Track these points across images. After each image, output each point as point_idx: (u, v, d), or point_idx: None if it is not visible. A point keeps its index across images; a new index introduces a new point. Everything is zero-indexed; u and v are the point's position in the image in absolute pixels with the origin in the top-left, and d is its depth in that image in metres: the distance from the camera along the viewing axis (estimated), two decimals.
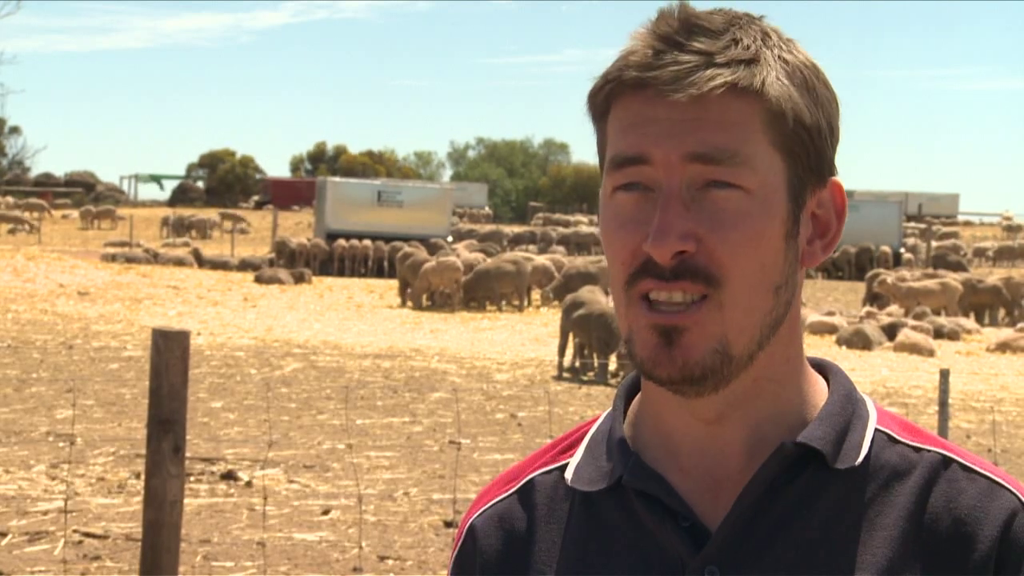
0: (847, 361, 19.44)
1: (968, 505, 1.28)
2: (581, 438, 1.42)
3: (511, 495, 1.41)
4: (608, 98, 1.29)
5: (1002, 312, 29.68)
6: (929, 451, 1.32)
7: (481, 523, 1.41)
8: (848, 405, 1.34)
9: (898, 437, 1.33)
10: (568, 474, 1.38)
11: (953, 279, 29.42)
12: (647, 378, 1.31)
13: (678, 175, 1.25)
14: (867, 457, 1.31)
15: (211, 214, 63.99)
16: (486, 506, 1.42)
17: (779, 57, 1.28)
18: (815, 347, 21.32)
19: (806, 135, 1.28)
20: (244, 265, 37.54)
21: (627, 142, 1.27)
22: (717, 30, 1.26)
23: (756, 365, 1.29)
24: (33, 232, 53.67)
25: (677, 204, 1.24)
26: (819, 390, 1.35)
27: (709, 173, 1.25)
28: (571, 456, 1.40)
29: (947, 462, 1.31)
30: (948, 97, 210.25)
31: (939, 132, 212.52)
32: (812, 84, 1.29)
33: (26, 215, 58.68)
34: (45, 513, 8.67)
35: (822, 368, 1.38)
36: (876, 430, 1.33)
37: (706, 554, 1.28)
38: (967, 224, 77.19)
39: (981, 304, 29.43)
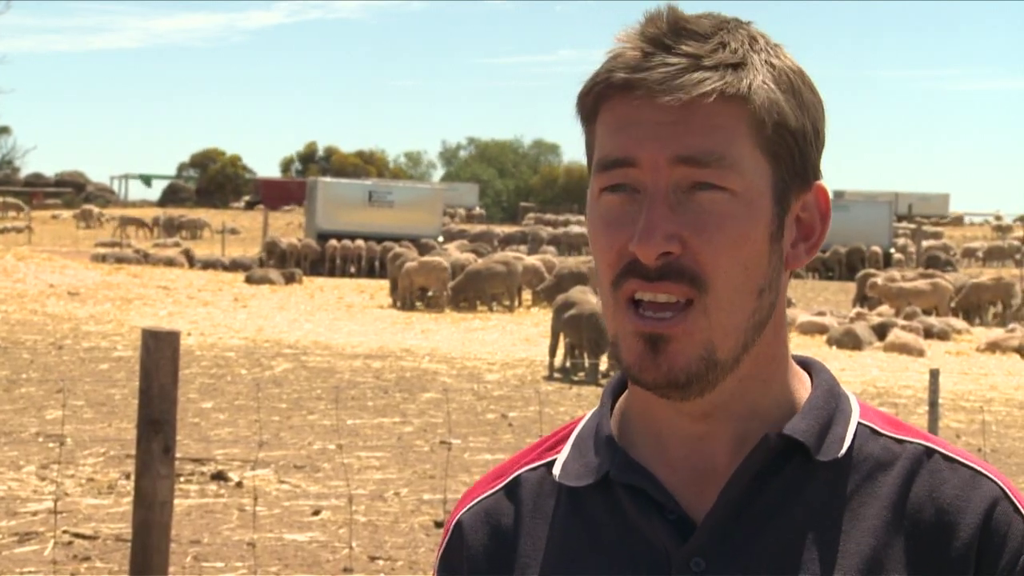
0: (837, 361, 19.47)
1: (950, 494, 1.30)
2: (568, 435, 1.43)
3: (498, 491, 1.42)
4: (597, 100, 1.30)
5: (991, 312, 29.78)
6: (912, 443, 1.34)
7: (468, 519, 1.42)
8: (831, 399, 1.36)
9: (881, 430, 1.35)
10: (555, 470, 1.39)
11: (945, 280, 29.49)
12: (633, 383, 1.33)
13: (664, 177, 1.26)
14: (850, 449, 1.32)
15: (200, 214, 63.98)
16: (473, 502, 1.43)
17: (766, 62, 1.29)
18: (805, 347, 21.35)
19: (791, 139, 1.30)
20: (235, 265, 37.51)
21: (614, 144, 1.28)
22: (705, 34, 1.28)
23: (742, 366, 1.31)
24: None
25: (663, 206, 1.26)
26: (803, 386, 1.37)
27: (695, 175, 1.26)
28: (558, 453, 1.42)
29: (929, 452, 1.33)
30: (939, 97, 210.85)
31: (929, 132, 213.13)
32: (798, 88, 1.31)
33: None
34: (35, 514, 8.65)
35: (806, 365, 1.40)
36: (859, 423, 1.35)
37: (691, 546, 1.29)
38: (957, 224, 77.26)
39: (985, 300, 29.60)
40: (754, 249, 1.28)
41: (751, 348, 1.30)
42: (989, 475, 1.31)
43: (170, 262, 37.79)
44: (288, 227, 58.60)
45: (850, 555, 1.28)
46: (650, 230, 1.25)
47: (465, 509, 1.43)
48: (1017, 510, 1.30)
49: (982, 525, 1.28)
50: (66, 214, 67.32)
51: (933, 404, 8.52)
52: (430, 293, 27.80)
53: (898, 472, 1.32)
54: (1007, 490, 1.31)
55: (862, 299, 30.15)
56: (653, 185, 1.26)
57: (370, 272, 38.44)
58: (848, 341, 21.97)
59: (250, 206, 76.95)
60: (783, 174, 1.30)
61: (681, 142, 1.25)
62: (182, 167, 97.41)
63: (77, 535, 8.13)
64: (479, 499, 1.43)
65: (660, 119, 1.26)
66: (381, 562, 7.78)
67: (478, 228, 54.70)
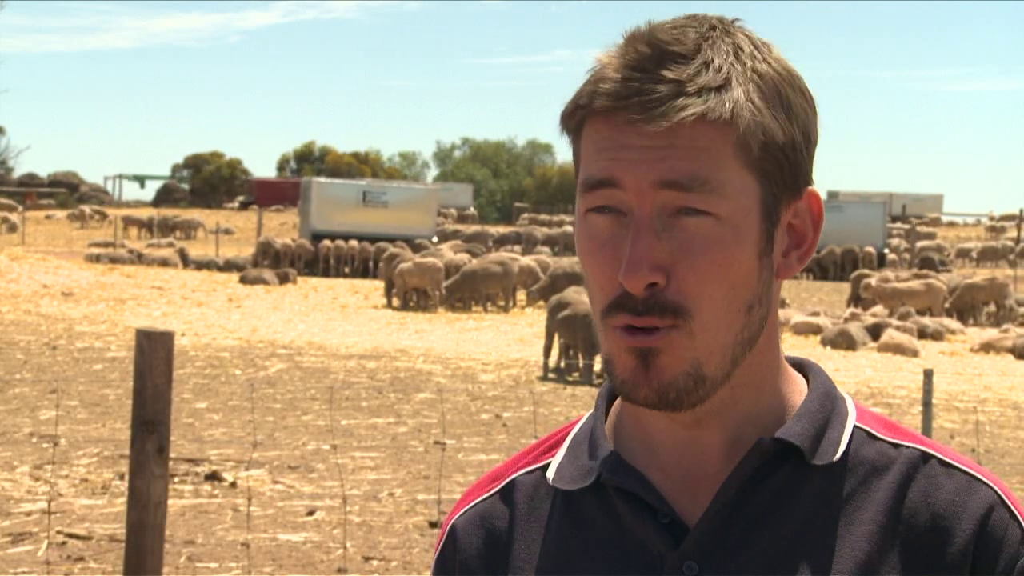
0: (831, 361, 19.48)
1: (946, 500, 1.29)
2: (563, 439, 1.43)
3: (493, 495, 1.42)
4: (581, 122, 1.30)
5: (984, 312, 29.81)
6: (908, 447, 1.33)
7: (462, 523, 1.42)
8: (827, 403, 1.35)
9: (877, 434, 1.34)
10: (550, 473, 1.39)
11: (939, 280, 29.52)
12: (625, 400, 1.32)
13: (649, 201, 1.26)
14: (845, 453, 1.32)
15: (195, 214, 63.97)
16: (468, 506, 1.43)
17: (752, 70, 1.27)
18: (799, 348, 21.37)
19: (780, 154, 1.28)
20: (229, 266, 37.50)
21: (598, 166, 1.28)
22: (687, 54, 1.25)
23: (733, 377, 1.30)
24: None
25: (648, 234, 1.25)
26: (798, 389, 1.36)
27: (680, 200, 1.25)
28: (553, 456, 1.41)
29: (926, 457, 1.32)
30: (933, 98, 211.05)
31: (923, 133, 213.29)
32: (786, 96, 1.29)
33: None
34: (28, 514, 8.64)
35: (802, 367, 1.40)
36: (855, 427, 1.34)
37: (685, 549, 1.29)
38: (951, 224, 77.32)
39: (979, 301, 29.64)
40: (741, 270, 1.27)
41: (741, 361, 1.30)
42: (985, 480, 1.31)
43: (164, 262, 37.78)
44: (282, 227, 58.57)
45: (844, 560, 1.27)
46: (637, 262, 1.24)
47: (460, 513, 1.43)
48: (1013, 516, 1.29)
49: (977, 531, 1.28)
50: (60, 214, 67.26)
51: (927, 404, 8.53)
52: (429, 291, 27.77)
53: (894, 477, 1.31)
54: (1003, 496, 1.30)
55: (856, 299, 30.19)
56: (639, 209, 1.26)
57: (364, 272, 38.44)
58: (842, 341, 21.99)
59: (244, 206, 76.91)
60: (772, 189, 1.29)
61: (665, 166, 1.24)
62: (176, 168, 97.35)
63: (71, 535, 8.11)
64: (474, 503, 1.43)
65: (644, 143, 1.25)
66: (375, 562, 7.78)
67: (472, 228, 54.70)
